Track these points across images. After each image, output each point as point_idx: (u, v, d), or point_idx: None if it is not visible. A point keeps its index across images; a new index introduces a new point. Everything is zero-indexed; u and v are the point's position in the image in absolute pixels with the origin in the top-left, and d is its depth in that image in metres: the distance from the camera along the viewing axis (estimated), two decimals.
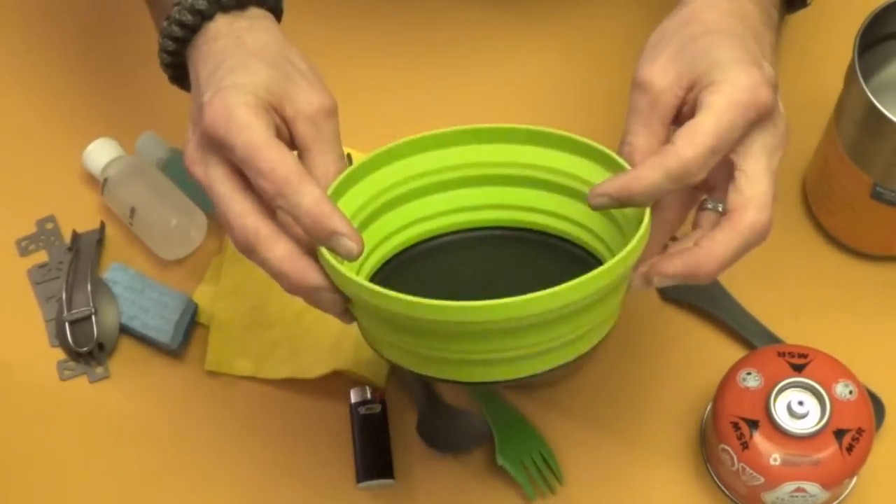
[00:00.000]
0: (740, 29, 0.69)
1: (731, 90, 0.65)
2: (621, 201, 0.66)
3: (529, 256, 0.73)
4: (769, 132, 0.67)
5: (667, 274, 0.67)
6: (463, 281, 0.72)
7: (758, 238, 0.66)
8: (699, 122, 0.65)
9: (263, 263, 0.66)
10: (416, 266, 0.73)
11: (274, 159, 0.64)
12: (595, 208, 0.67)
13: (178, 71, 0.74)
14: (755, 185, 0.66)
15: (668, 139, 0.68)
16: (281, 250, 0.66)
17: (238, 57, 0.69)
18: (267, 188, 0.65)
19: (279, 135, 0.68)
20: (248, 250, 0.66)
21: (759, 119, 0.66)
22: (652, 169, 0.65)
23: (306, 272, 0.66)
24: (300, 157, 0.69)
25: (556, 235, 0.75)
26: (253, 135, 0.65)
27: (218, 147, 0.67)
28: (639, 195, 0.65)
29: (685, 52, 0.68)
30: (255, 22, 0.71)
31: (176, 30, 0.71)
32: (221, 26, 0.71)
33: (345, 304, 0.67)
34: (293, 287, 0.66)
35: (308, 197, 0.64)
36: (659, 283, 0.67)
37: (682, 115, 0.69)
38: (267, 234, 0.66)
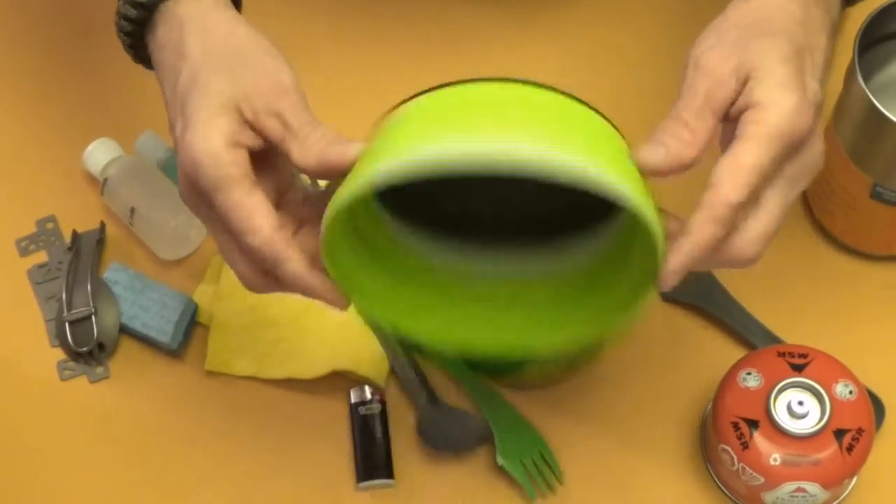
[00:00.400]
0: (801, 38, 0.68)
1: (774, 119, 0.64)
2: (689, 269, 0.65)
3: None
4: (797, 162, 0.66)
5: (672, 272, 0.65)
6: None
7: (724, 211, 0.65)
8: (742, 157, 0.64)
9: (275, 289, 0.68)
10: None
11: (250, 222, 0.65)
12: (671, 285, 0.65)
13: (141, 52, 0.74)
14: (763, 221, 0.66)
15: (715, 129, 0.66)
16: (289, 276, 0.66)
17: (187, 71, 0.68)
18: (250, 245, 0.66)
19: (256, 146, 0.67)
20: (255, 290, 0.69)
21: (794, 149, 0.66)
22: (706, 225, 0.64)
23: (319, 288, 0.66)
24: (282, 149, 0.67)
25: None
26: (225, 195, 0.65)
27: (201, 194, 0.67)
28: (698, 256, 0.64)
29: (747, 47, 0.66)
30: (192, 12, 0.70)
31: (125, 24, 0.72)
32: (162, 26, 0.71)
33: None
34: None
35: (289, 268, 0.66)
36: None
37: (732, 109, 0.67)
38: (265, 280, 0.68)
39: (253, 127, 0.67)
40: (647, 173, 0.65)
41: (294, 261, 0.66)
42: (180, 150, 0.67)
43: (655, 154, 0.65)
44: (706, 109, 0.66)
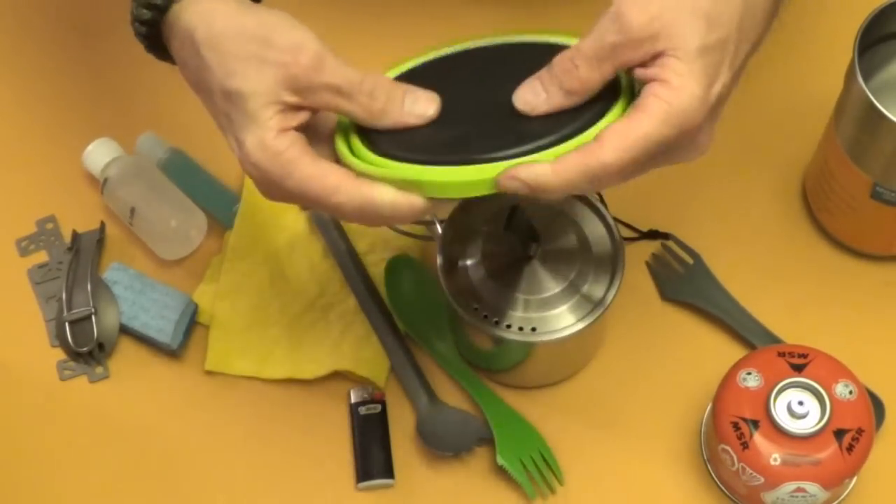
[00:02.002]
0: (734, 28, 0.66)
1: (677, 103, 0.64)
2: (533, 191, 0.65)
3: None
4: (678, 149, 0.66)
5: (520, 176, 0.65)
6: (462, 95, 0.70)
7: (594, 169, 0.65)
8: (633, 128, 0.64)
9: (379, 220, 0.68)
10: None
11: (326, 184, 0.66)
12: (505, 190, 0.65)
13: (155, 43, 0.74)
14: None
15: (604, 83, 0.66)
16: (387, 208, 0.67)
17: (218, 87, 0.68)
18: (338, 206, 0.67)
19: (305, 122, 0.68)
20: (369, 219, 0.68)
21: (682, 137, 0.65)
22: (572, 167, 0.64)
23: (414, 202, 0.67)
24: (342, 113, 0.69)
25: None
26: (294, 177, 0.67)
27: (277, 190, 0.68)
28: (552, 190, 0.64)
29: (675, 21, 0.65)
30: (197, 21, 0.69)
31: (139, 27, 0.71)
32: (174, 41, 0.71)
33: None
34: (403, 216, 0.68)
35: (383, 194, 0.66)
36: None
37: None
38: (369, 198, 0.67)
39: (300, 107, 0.67)
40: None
41: (383, 193, 0.66)
42: (242, 165, 0.68)
43: (536, 97, 0.67)
44: (607, 63, 0.65)
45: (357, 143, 0.69)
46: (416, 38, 0.99)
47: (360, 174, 0.67)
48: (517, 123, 0.67)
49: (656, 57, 0.65)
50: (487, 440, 0.83)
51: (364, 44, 0.99)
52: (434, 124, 0.69)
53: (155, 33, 0.72)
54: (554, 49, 0.68)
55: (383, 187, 0.66)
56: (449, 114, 0.69)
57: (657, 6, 0.65)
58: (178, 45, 0.71)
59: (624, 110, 0.67)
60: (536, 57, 0.69)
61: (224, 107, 0.68)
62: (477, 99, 0.69)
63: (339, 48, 0.99)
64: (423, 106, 0.68)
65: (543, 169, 0.64)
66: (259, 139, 0.67)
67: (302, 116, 0.68)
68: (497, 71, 0.71)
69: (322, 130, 0.71)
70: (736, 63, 0.67)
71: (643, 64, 0.65)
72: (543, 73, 0.67)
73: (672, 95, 0.64)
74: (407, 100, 0.68)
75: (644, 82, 0.65)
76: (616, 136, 0.64)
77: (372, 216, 0.67)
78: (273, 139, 0.66)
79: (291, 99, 0.67)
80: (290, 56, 0.67)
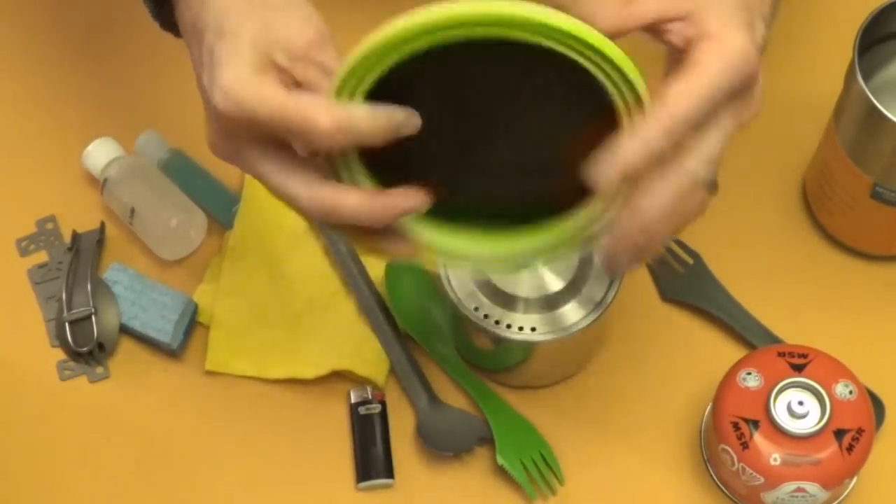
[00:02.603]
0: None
1: (727, 52, 0.62)
2: (625, 174, 0.62)
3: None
4: (741, 101, 0.64)
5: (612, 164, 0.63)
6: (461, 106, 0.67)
7: (666, 127, 0.62)
8: (695, 81, 0.62)
9: (341, 221, 0.65)
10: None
11: (310, 109, 0.62)
12: (605, 192, 0.64)
13: (168, 16, 0.72)
14: (710, 144, 0.64)
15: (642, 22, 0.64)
16: (353, 200, 0.64)
17: (214, 24, 0.66)
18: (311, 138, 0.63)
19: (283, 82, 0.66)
20: (324, 219, 0.65)
21: (742, 87, 0.63)
22: (653, 130, 0.61)
23: (387, 203, 0.65)
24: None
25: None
26: (270, 108, 0.63)
27: (241, 128, 0.65)
28: (638, 162, 0.61)
29: None
30: None
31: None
32: None
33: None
34: (379, 221, 0.66)
35: (360, 115, 0.63)
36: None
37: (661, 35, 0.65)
38: (330, 196, 0.64)
39: (284, 72, 0.65)
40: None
41: (362, 111, 0.63)
42: (210, 93, 0.64)
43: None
44: (632, 14, 0.63)
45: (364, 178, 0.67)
46: None
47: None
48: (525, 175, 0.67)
49: (688, 17, 0.63)
50: (487, 440, 0.83)
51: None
52: (434, 164, 0.67)
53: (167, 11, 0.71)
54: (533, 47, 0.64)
55: (359, 109, 0.62)
56: (446, 153, 0.67)
57: None
58: (191, 4, 0.68)
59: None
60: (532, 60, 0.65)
61: (212, 42, 0.66)
62: (476, 132, 0.67)
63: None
64: (396, 119, 0.64)
65: (624, 149, 0.61)
66: (236, 69, 0.63)
67: (281, 79, 0.65)
68: (485, 85, 0.67)
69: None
70: (765, 14, 0.66)
71: (669, 30, 0.64)
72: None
73: (722, 47, 0.62)
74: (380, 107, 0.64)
75: (683, 44, 0.63)
76: (681, 92, 0.61)
77: (351, 131, 0.62)
78: (251, 72, 0.63)
79: (282, 60, 0.65)
80: (299, 26, 0.65)
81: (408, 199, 0.65)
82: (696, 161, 0.63)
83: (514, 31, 0.61)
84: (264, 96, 0.63)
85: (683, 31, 0.64)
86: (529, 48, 0.62)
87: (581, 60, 0.62)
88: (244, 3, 0.66)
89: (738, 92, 0.64)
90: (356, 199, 0.65)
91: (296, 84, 0.65)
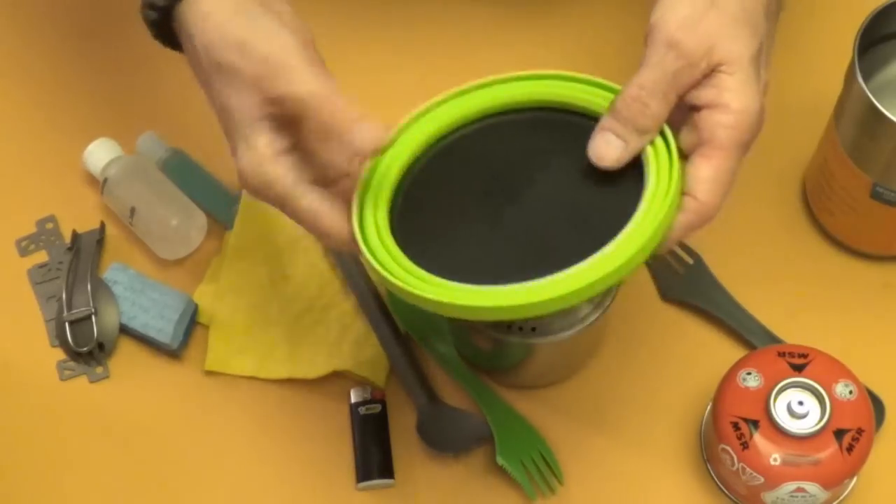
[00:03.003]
0: (762, 28, 0.68)
1: (746, 127, 0.66)
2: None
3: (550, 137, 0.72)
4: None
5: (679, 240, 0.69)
6: (488, 170, 0.72)
7: (703, 219, 0.68)
8: (722, 165, 0.66)
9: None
10: (444, 161, 0.73)
11: (318, 226, 0.68)
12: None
13: (166, 36, 0.73)
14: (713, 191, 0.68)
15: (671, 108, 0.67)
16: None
17: (217, 102, 0.69)
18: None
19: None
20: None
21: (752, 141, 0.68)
22: (687, 228, 0.67)
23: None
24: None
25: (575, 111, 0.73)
26: (286, 208, 0.68)
27: (272, 204, 0.69)
28: (665, 250, 0.68)
29: (723, 35, 0.66)
30: (195, 21, 0.69)
31: (150, 13, 0.71)
32: (180, 34, 0.71)
33: None
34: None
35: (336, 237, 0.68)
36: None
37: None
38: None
39: (289, 120, 0.68)
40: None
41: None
42: (240, 171, 0.68)
43: (616, 148, 0.67)
44: (672, 91, 0.66)
45: (386, 235, 0.70)
46: (415, 38, 0.99)
47: (408, 292, 0.67)
48: (544, 236, 0.69)
49: (709, 74, 0.67)
50: (487, 440, 0.83)
51: (362, 46, 0.99)
52: (463, 232, 0.70)
53: (164, 22, 0.71)
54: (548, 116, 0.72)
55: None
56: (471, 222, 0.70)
57: (705, 24, 0.66)
58: (185, 44, 0.71)
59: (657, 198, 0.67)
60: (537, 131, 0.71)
61: (222, 119, 0.69)
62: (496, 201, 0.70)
63: (336, 48, 0.99)
64: (368, 137, 0.67)
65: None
66: (252, 166, 0.67)
67: (294, 131, 0.68)
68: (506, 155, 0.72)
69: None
70: (769, 60, 0.69)
71: (696, 84, 0.67)
72: (610, 121, 0.67)
73: (736, 120, 0.66)
74: (357, 129, 0.67)
75: (700, 107, 0.67)
76: (709, 181, 0.66)
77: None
78: (264, 167, 0.67)
79: (273, 109, 0.67)
80: (260, 67, 0.67)
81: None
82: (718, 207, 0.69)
83: None
84: (280, 201, 0.68)
85: (700, 95, 0.67)
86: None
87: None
88: (224, 60, 0.68)
89: (751, 143, 0.68)
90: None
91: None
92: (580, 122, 0.71)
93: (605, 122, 0.68)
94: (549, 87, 0.73)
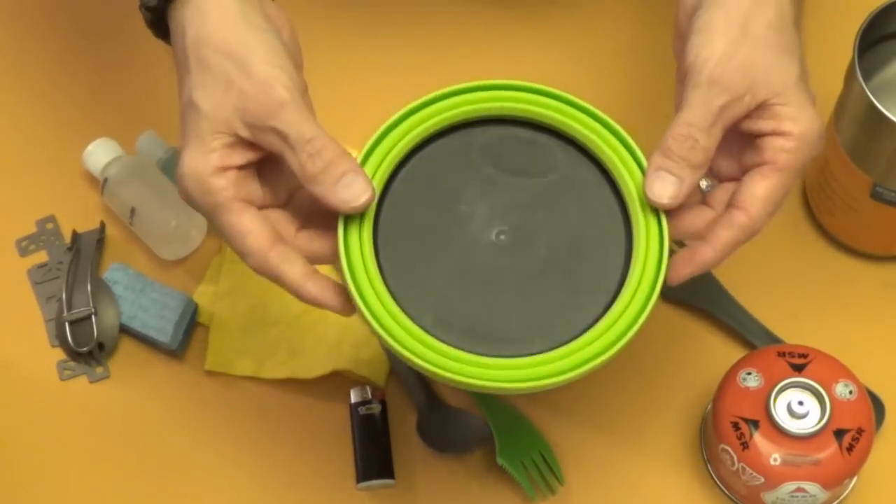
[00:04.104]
0: (799, 48, 0.69)
1: (807, 149, 0.67)
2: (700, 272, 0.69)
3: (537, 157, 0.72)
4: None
5: (681, 277, 0.70)
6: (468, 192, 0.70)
7: (750, 236, 0.69)
8: (775, 186, 0.67)
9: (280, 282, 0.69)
10: (426, 167, 0.71)
11: (244, 244, 0.67)
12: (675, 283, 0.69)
13: (162, 27, 0.73)
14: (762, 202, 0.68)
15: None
16: (288, 287, 0.68)
17: (185, 93, 0.68)
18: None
19: (250, 161, 0.68)
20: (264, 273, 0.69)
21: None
22: (730, 245, 0.68)
23: (317, 297, 0.68)
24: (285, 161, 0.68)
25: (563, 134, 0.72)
26: (217, 219, 0.67)
27: (202, 212, 0.69)
28: (712, 265, 0.69)
29: (765, 63, 0.67)
30: (193, 15, 0.69)
31: (147, 14, 0.71)
32: (171, 24, 0.70)
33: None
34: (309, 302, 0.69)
35: (287, 280, 0.68)
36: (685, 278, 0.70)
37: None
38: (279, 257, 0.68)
39: (251, 143, 0.67)
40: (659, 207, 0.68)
41: (290, 274, 0.67)
42: (178, 176, 0.68)
43: (675, 187, 0.68)
44: (718, 126, 0.67)
45: (377, 279, 0.68)
46: (415, 39, 0.99)
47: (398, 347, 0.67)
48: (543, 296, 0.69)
49: (761, 106, 0.67)
50: (487, 440, 0.83)
51: (363, 47, 0.99)
52: (451, 280, 0.69)
53: (161, 19, 0.71)
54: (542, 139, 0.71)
55: (293, 267, 0.67)
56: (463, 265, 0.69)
57: (741, 58, 0.67)
58: (173, 32, 0.70)
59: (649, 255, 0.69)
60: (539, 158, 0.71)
61: (185, 112, 0.68)
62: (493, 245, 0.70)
63: (336, 47, 0.99)
64: (353, 193, 0.66)
65: (706, 257, 0.68)
66: (197, 170, 0.66)
67: (251, 155, 0.67)
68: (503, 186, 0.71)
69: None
70: (808, 77, 0.70)
71: (748, 115, 0.68)
72: (662, 160, 0.67)
73: (798, 145, 0.67)
74: (343, 180, 0.66)
75: (761, 134, 0.68)
76: (760, 201, 0.67)
77: (277, 283, 0.68)
78: (209, 175, 0.66)
79: (243, 132, 0.67)
80: (256, 90, 0.66)
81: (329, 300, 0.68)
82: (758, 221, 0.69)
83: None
84: (214, 211, 0.67)
85: (760, 125, 0.68)
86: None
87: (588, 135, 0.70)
88: (216, 65, 0.67)
89: (809, 164, 0.69)
90: (296, 277, 0.67)
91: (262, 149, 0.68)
92: (552, 141, 0.72)
93: (658, 161, 0.68)
94: (520, 99, 0.71)
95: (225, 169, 0.67)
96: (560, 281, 0.69)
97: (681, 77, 0.69)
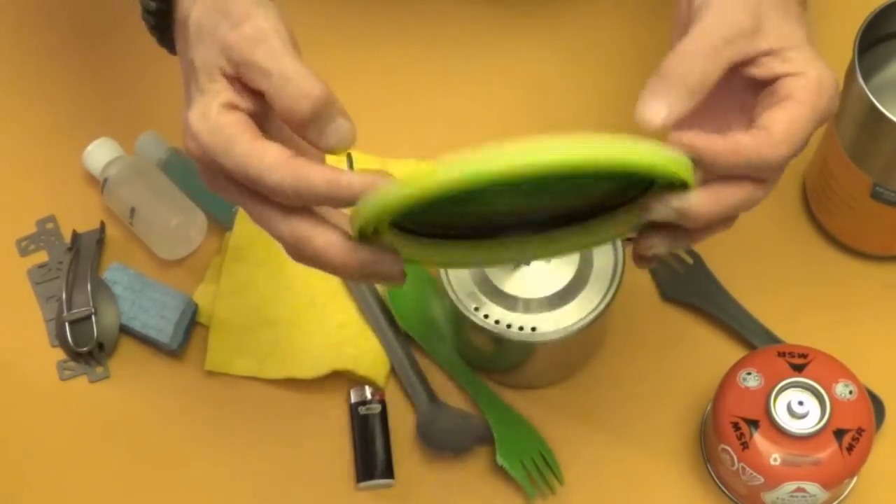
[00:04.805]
0: (796, 12, 0.68)
1: (827, 89, 0.66)
2: (701, 156, 0.63)
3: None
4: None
5: (687, 142, 0.63)
6: None
7: (765, 159, 0.64)
8: (791, 117, 0.64)
9: (314, 261, 0.65)
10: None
11: (264, 161, 0.63)
12: (653, 215, 0.64)
13: (165, 33, 0.72)
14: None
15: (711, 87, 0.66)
16: (321, 241, 0.64)
17: (187, 50, 0.66)
18: (278, 192, 0.64)
19: (254, 107, 0.66)
20: (296, 255, 0.66)
21: (830, 112, 0.67)
22: (743, 149, 0.63)
23: (361, 180, 0.63)
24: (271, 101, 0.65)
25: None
26: (232, 154, 0.63)
27: (217, 171, 0.66)
28: (721, 163, 0.63)
29: (762, 8, 0.66)
30: None
31: (149, 18, 0.70)
32: (179, 7, 0.69)
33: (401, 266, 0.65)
34: (348, 273, 0.65)
35: (317, 174, 0.63)
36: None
37: (741, 72, 0.67)
38: (304, 232, 0.64)
39: (246, 86, 0.65)
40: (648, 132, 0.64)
41: (317, 173, 0.62)
42: (185, 142, 0.65)
43: (665, 106, 0.64)
44: (722, 56, 0.65)
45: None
46: (414, 38, 0.99)
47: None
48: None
49: (771, 53, 0.66)
50: (487, 440, 0.83)
51: (363, 47, 0.99)
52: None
53: (164, 23, 0.70)
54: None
55: (320, 167, 0.63)
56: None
57: (751, 7, 0.66)
58: (176, 25, 0.69)
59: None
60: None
61: (186, 79, 0.67)
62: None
63: (336, 48, 0.99)
64: (340, 138, 0.64)
65: (715, 139, 0.63)
66: (202, 110, 0.64)
67: (249, 101, 0.65)
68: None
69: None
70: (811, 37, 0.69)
71: (755, 63, 0.66)
72: (658, 82, 0.64)
73: (815, 84, 0.65)
74: (330, 126, 0.64)
75: (773, 78, 0.66)
76: (782, 125, 0.64)
77: (308, 195, 0.63)
78: (216, 112, 0.64)
79: (230, 70, 0.65)
80: (234, 26, 0.64)
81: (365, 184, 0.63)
82: (779, 174, 0.66)
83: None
84: (226, 145, 0.63)
85: (774, 67, 0.66)
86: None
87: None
88: (207, 22, 0.66)
89: (822, 120, 0.67)
90: (322, 242, 0.64)
91: (254, 92, 0.65)
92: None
93: (652, 84, 0.65)
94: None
95: (230, 107, 0.64)
96: None
97: (681, 30, 0.68)
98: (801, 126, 0.65)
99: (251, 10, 0.65)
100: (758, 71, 0.67)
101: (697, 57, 0.65)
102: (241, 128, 0.64)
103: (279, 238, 0.66)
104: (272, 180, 0.63)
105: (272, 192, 0.63)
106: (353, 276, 0.65)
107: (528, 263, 0.80)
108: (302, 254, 0.65)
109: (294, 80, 0.63)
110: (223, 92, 0.65)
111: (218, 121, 0.64)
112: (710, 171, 0.64)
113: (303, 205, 0.64)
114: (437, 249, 0.68)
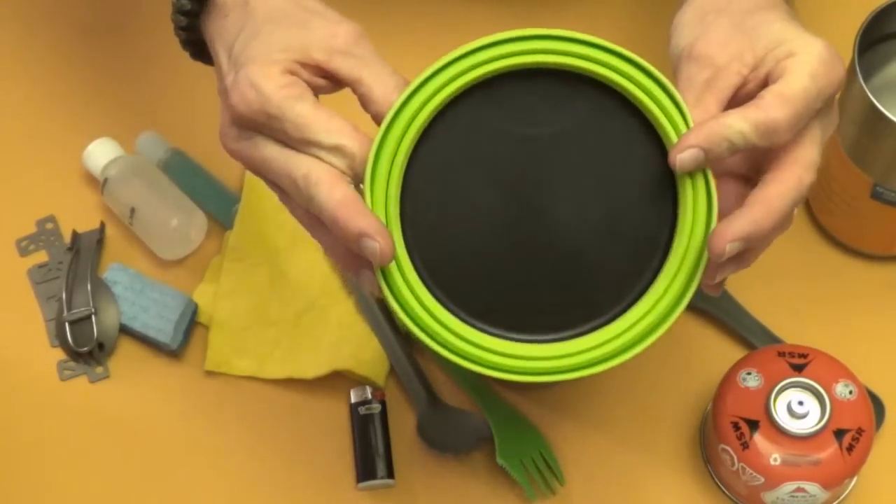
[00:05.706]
0: (782, 5, 0.68)
1: (814, 61, 0.65)
2: (710, 149, 0.64)
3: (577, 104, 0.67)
4: (827, 113, 0.67)
5: (736, 236, 0.66)
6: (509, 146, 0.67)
7: (801, 196, 0.66)
8: (788, 85, 0.64)
9: (320, 209, 0.65)
10: (463, 120, 0.67)
11: (330, 122, 0.65)
12: (680, 169, 0.65)
13: (197, 47, 0.72)
14: (804, 151, 0.66)
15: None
16: (339, 194, 0.64)
17: (250, 27, 0.67)
18: (317, 145, 0.65)
19: (314, 86, 0.67)
20: (305, 197, 0.65)
21: (829, 97, 0.66)
22: (739, 117, 0.64)
23: (357, 216, 0.64)
24: (353, 89, 0.67)
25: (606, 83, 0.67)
26: (294, 113, 0.64)
27: (254, 124, 0.66)
28: (726, 143, 0.64)
29: (744, 28, 0.67)
30: None
31: (185, 3, 0.70)
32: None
33: (392, 253, 0.64)
34: (341, 234, 0.65)
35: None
36: (730, 249, 0.66)
37: (740, 95, 0.67)
38: (320, 176, 0.65)
39: (321, 70, 0.66)
40: None
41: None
42: (234, 86, 0.65)
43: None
44: (710, 99, 0.66)
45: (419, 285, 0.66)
46: (414, 38, 0.99)
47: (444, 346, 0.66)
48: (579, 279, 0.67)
49: (766, 57, 0.66)
50: (487, 440, 0.83)
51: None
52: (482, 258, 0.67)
53: (195, 25, 0.71)
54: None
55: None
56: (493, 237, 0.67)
57: (720, 30, 0.68)
58: (216, 8, 0.69)
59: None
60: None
61: (246, 41, 0.67)
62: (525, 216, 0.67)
63: None
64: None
65: (713, 124, 0.64)
66: (263, 70, 0.65)
67: (311, 77, 0.66)
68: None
69: None
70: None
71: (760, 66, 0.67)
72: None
73: (808, 57, 0.65)
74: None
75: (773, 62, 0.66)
76: (775, 95, 0.64)
77: (360, 168, 0.65)
78: (280, 72, 0.65)
79: (320, 56, 0.66)
80: (339, 21, 0.68)
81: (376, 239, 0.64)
82: (805, 171, 0.66)
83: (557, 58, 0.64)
84: (291, 103, 0.64)
85: (776, 53, 0.66)
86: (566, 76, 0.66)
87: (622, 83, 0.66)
88: (280, 10, 0.68)
89: (829, 98, 0.66)
90: (339, 195, 0.64)
91: (332, 79, 0.67)
92: (590, 91, 0.67)
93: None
94: (555, 50, 0.66)
95: (294, 73, 0.65)
96: (600, 252, 0.67)
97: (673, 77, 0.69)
98: (813, 91, 0.64)
99: (345, 19, 0.69)
100: (761, 71, 0.67)
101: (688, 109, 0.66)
102: (304, 88, 0.65)
103: (289, 177, 0.65)
104: (338, 141, 0.64)
105: (329, 150, 0.64)
106: (347, 234, 0.64)
107: None
108: (312, 199, 0.65)
109: (389, 71, 0.67)
110: (291, 62, 0.66)
111: (282, 79, 0.65)
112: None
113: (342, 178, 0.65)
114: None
